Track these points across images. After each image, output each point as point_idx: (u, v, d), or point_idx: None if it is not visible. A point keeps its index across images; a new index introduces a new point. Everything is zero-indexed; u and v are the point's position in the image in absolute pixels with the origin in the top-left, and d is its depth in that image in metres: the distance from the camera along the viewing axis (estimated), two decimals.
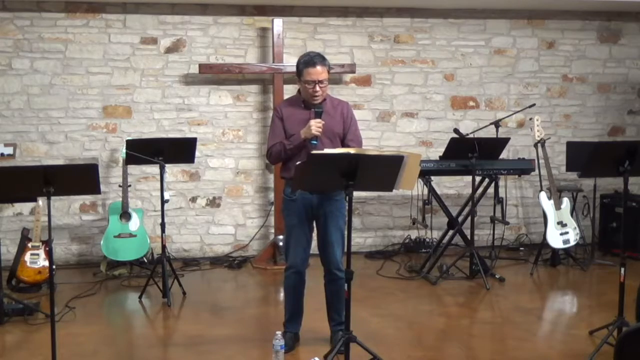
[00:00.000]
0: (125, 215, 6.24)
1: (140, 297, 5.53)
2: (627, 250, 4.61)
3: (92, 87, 6.60)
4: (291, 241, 4.36)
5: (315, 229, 4.40)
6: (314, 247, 4.47)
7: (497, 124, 6.51)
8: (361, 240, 7.13)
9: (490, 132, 6.52)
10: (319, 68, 4.18)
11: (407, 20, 7.07)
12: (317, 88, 4.18)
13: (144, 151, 5.31)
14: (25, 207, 6.52)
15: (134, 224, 6.24)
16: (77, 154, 6.61)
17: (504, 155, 6.37)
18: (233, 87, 6.83)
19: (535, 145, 6.53)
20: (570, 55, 7.38)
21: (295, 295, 4.42)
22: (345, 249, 3.94)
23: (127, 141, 5.43)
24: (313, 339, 4.53)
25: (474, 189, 6.10)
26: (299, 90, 4.38)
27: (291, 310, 4.47)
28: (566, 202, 6.46)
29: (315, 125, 4.09)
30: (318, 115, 4.15)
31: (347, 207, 4.31)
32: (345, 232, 4.34)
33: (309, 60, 4.22)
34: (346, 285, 3.82)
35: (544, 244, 6.45)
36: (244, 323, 5.00)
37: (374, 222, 7.19)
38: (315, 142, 4.11)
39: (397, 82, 7.11)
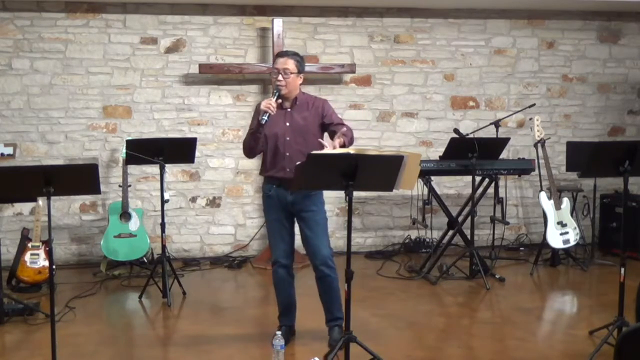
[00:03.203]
0: (125, 215, 6.24)
1: (140, 297, 5.53)
2: (627, 250, 4.60)
3: (92, 87, 6.60)
4: (272, 236, 4.45)
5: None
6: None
7: (497, 124, 6.50)
8: (361, 240, 7.13)
9: (490, 132, 6.52)
10: (284, 59, 4.33)
11: (407, 20, 7.07)
12: (280, 77, 4.28)
13: (144, 151, 5.31)
14: (25, 207, 6.52)
15: (134, 224, 6.24)
16: (77, 154, 6.61)
17: (504, 155, 6.37)
18: (233, 87, 6.83)
19: (535, 145, 6.53)
20: (570, 55, 7.38)
21: (284, 289, 4.48)
22: (345, 249, 3.94)
23: (127, 141, 5.42)
24: (312, 339, 4.53)
25: (474, 189, 6.10)
26: None
27: (282, 303, 4.53)
28: (566, 202, 6.46)
29: (266, 102, 4.18)
30: (274, 94, 4.26)
31: (324, 202, 4.41)
32: (327, 227, 4.42)
33: (277, 53, 4.46)
34: (346, 285, 3.82)
35: (544, 244, 6.45)
36: (244, 323, 5.00)
37: (374, 222, 7.19)
38: (264, 118, 4.15)
39: (397, 82, 7.11)
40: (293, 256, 4.51)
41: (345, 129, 4.25)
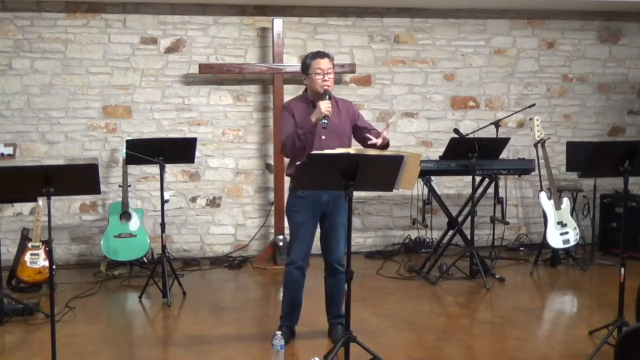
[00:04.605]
0: (125, 215, 6.24)
1: (140, 297, 5.53)
2: (627, 250, 4.60)
3: (92, 87, 6.60)
4: (295, 238, 4.42)
5: (319, 224, 4.46)
6: (316, 247, 4.51)
7: (497, 124, 6.51)
8: (361, 240, 7.13)
9: (490, 132, 6.52)
10: (326, 59, 4.37)
11: (407, 20, 7.07)
12: (327, 77, 4.31)
13: (144, 151, 5.31)
14: (25, 207, 6.52)
15: (134, 224, 6.24)
16: (77, 154, 6.61)
17: (504, 155, 6.37)
18: (233, 87, 6.83)
19: (535, 145, 6.52)
20: (570, 55, 7.38)
21: (294, 291, 4.48)
22: (345, 249, 3.95)
23: (127, 141, 5.43)
24: (313, 339, 4.54)
25: (474, 189, 6.10)
26: (305, 90, 4.48)
27: (289, 305, 4.52)
28: (566, 202, 6.46)
29: (325, 105, 4.17)
30: (326, 97, 4.26)
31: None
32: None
33: (316, 53, 4.44)
34: (346, 285, 3.83)
35: (544, 244, 6.45)
36: (244, 323, 5.00)
37: (374, 222, 7.19)
38: (325, 121, 4.16)
39: (397, 82, 7.11)
40: (309, 259, 4.50)
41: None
